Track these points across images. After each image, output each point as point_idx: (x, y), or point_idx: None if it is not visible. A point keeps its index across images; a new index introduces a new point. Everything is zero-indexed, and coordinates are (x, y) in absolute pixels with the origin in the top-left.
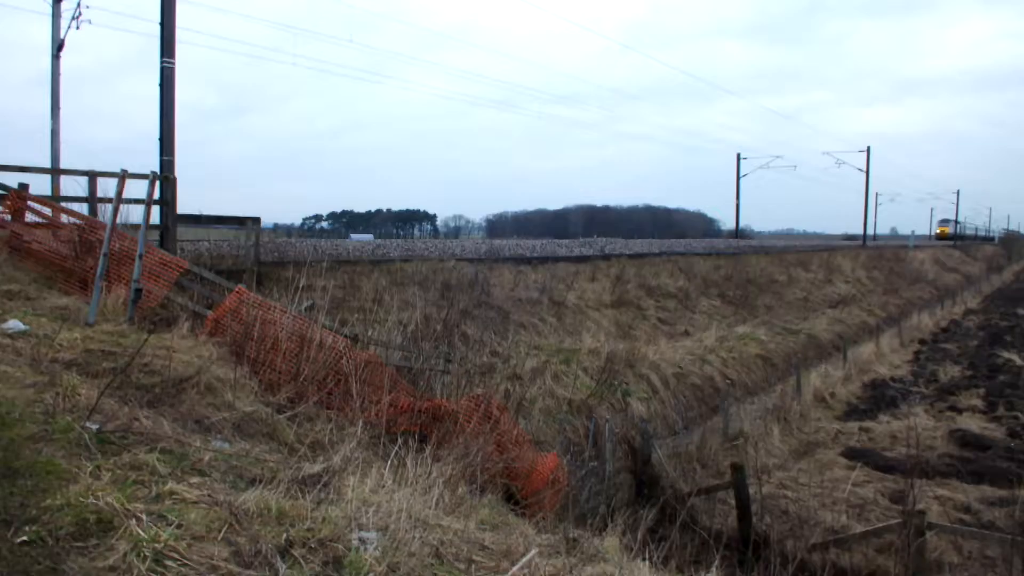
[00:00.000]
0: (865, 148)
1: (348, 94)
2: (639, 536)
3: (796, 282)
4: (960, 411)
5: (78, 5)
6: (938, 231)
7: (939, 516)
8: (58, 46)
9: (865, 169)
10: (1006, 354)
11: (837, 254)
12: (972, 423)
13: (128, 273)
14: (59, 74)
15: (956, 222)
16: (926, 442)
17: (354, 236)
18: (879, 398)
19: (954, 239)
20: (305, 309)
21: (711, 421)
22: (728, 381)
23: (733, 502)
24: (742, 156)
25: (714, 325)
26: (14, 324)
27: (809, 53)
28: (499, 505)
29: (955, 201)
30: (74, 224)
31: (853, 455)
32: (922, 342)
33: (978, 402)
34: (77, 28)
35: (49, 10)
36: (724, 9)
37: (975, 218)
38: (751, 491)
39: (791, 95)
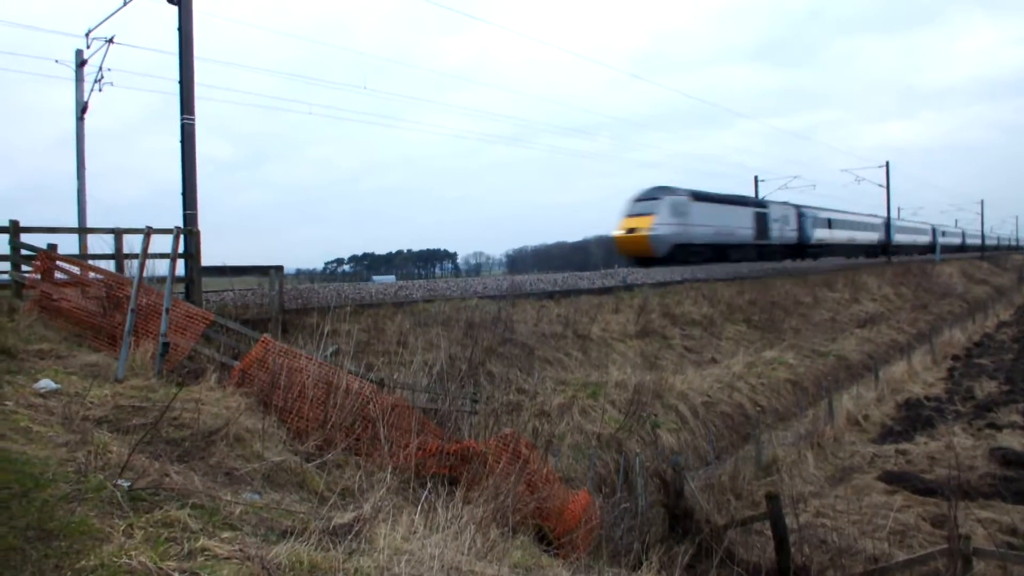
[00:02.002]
0: (884, 163)
1: (363, 138)
2: (676, 574)
3: (822, 303)
4: (1000, 428)
5: (100, 69)
6: (620, 229)
7: (984, 540)
8: (82, 109)
9: (885, 184)
10: None
11: (862, 272)
12: (1013, 440)
13: (155, 327)
14: (83, 135)
15: (789, 204)
16: (966, 462)
17: (376, 278)
18: (914, 418)
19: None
20: (330, 355)
21: (743, 450)
22: (758, 408)
23: (770, 533)
24: (760, 179)
25: (741, 351)
26: (46, 383)
27: (818, 73)
28: (531, 547)
29: (979, 211)
30: (101, 281)
31: (891, 479)
32: (955, 358)
33: (1018, 418)
34: (100, 91)
35: (73, 75)
36: (728, 35)
37: (1001, 227)
38: (788, 521)
39: (804, 115)
